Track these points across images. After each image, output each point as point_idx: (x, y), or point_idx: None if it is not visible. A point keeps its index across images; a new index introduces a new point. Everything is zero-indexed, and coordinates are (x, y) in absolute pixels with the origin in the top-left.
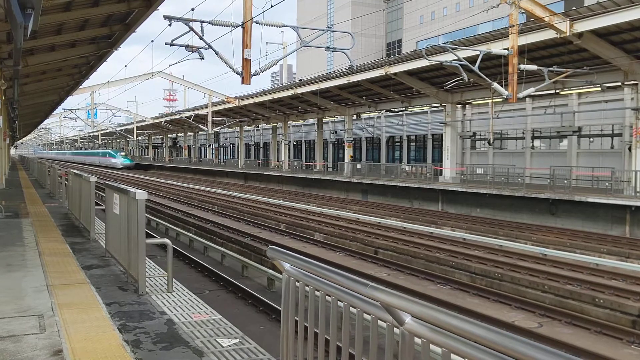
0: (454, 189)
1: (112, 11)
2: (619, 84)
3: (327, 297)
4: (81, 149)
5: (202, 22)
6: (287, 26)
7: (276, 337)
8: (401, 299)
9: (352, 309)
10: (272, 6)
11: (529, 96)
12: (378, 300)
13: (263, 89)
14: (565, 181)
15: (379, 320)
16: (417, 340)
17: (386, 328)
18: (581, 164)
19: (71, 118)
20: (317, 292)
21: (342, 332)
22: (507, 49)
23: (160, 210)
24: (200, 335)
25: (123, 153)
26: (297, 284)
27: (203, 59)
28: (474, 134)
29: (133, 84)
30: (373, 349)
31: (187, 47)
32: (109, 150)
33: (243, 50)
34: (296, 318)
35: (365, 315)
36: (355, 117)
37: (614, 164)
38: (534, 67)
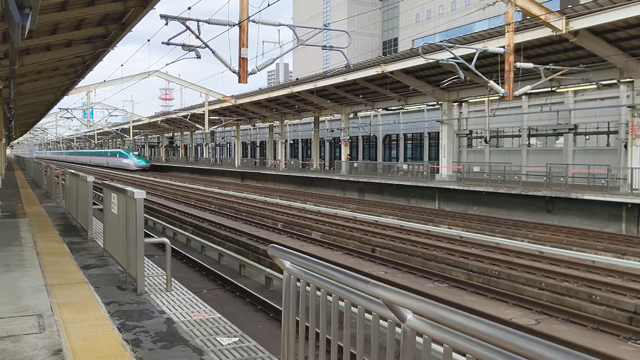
0: (451, 187)
1: (107, 10)
2: (615, 81)
3: (328, 295)
4: (83, 148)
5: (198, 21)
6: (283, 25)
7: (274, 335)
8: (403, 296)
9: (352, 308)
10: (268, 5)
11: (525, 94)
12: (380, 298)
13: (260, 88)
14: (562, 179)
15: (380, 319)
16: (418, 339)
17: (388, 326)
18: (577, 161)
19: (67, 117)
20: (317, 292)
21: (343, 330)
22: (503, 47)
23: (157, 210)
24: (199, 334)
25: (136, 152)
26: (298, 282)
27: (200, 58)
28: (471, 132)
29: (129, 84)
30: (374, 347)
31: (183, 46)
32: (120, 150)
33: (240, 49)
34: (297, 318)
35: (366, 314)
36: (352, 115)
37: (610, 161)
38: (530, 65)
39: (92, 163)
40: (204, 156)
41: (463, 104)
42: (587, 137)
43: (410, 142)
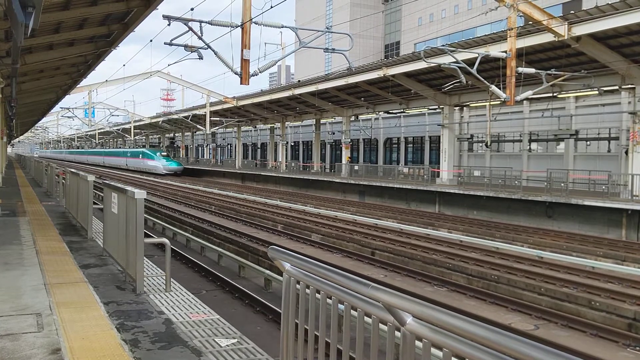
0: (451, 191)
1: (110, 10)
2: (617, 87)
3: (327, 297)
4: (94, 147)
5: (201, 22)
6: (285, 27)
7: (273, 337)
8: (403, 299)
9: (352, 311)
10: (271, 7)
11: (527, 99)
12: (380, 301)
13: (261, 90)
14: (562, 184)
15: (379, 323)
16: (417, 343)
17: (387, 329)
18: (578, 167)
19: (68, 117)
20: (317, 294)
21: (342, 333)
22: (505, 51)
23: (157, 210)
24: (198, 334)
25: (164, 152)
26: (298, 284)
27: (202, 59)
28: (472, 136)
29: (131, 83)
30: (374, 350)
31: (186, 47)
32: (144, 149)
33: (242, 50)
34: (296, 321)
35: (366, 318)
36: (353, 118)
37: (610, 167)
38: (532, 70)
39: (106, 164)
40: (205, 157)
41: (464, 108)
42: (588, 142)
43: (411, 145)
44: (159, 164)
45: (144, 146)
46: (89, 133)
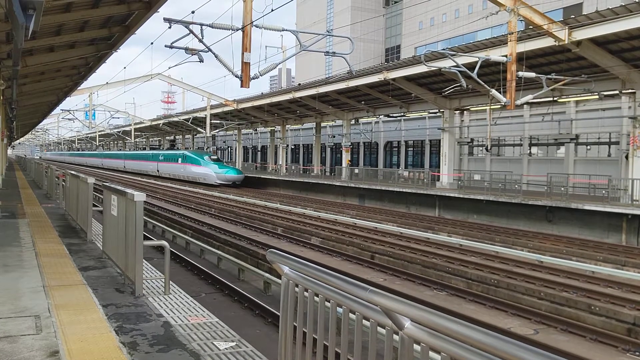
0: (451, 194)
1: (111, 13)
2: (617, 92)
3: (326, 301)
4: (111, 149)
5: (202, 25)
6: (286, 30)
7: (272, 340)
8: (401, 304)
9: (350, 314)
10: (272, 10)
11: (527, 103)
12: (378, 305)
13: (262, 93)
14: (562, 188)
15: (378, 327)
16: (416, 347)
17: (385, 333)
18: (578, 171)
19: (69, 119)
20: (315, 297)
21: (341, 337)
22: (506, 56)
23: (156, 212)
24: (197, 338)
25: (214, 156)
26: (296, 288)
27: (202, 61)
28: (472, 140)
29: (132, 86)
30: (372, 354)
31: (186, 49)
32: (186, 152)
33: (242, 53)
34: (295, 324)
35: (364, 321)
36: (353, 121)
37: (610, 171)
38: (532, 75)
39: (128, 169)
40: None
41: (465, 112)
42: (588, 147)
43: (412, 149)
44: (210, 171)
45: (186, 148)
46: (89, 135)
